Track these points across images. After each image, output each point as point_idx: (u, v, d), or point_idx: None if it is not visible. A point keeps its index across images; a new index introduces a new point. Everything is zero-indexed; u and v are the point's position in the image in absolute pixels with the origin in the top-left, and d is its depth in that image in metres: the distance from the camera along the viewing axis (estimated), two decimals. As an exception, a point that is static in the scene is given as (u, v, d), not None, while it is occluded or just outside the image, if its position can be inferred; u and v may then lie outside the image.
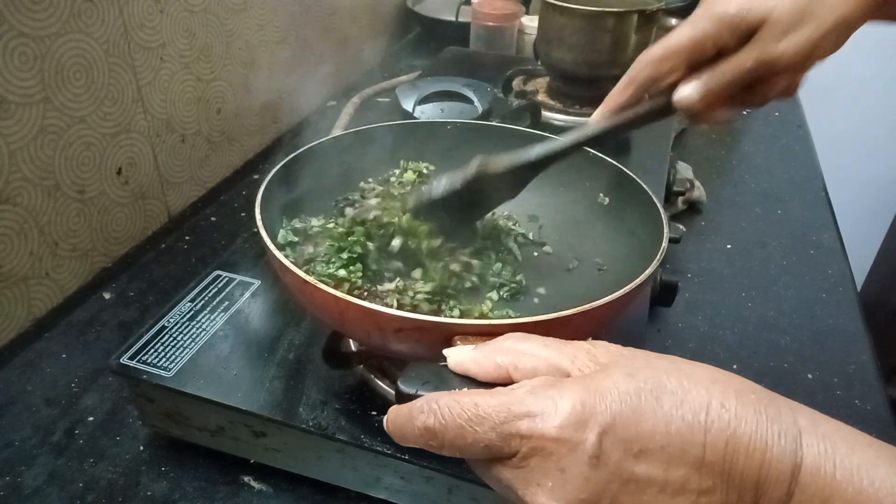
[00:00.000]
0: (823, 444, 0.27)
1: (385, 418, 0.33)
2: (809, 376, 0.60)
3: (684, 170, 0.84)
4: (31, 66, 0.57)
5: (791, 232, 0.80)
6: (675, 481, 0.27)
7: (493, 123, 0.59)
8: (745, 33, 0.41)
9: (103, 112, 0.66)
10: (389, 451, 0.42)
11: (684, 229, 0.72)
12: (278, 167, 0.51)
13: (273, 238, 0.42)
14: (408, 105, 0.81)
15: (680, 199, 0.81)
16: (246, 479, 0.49)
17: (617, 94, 0.47)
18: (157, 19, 0.70)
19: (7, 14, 0.54)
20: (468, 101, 0.82)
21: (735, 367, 0.60)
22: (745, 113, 1.11)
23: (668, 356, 0.30)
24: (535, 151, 0.48)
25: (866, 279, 1.64)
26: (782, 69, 0.41)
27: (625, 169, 0.53)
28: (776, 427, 0.27)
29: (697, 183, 0.83)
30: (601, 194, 0.57)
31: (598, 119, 0.48)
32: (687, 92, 0.43)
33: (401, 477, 0.44)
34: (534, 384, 0.29)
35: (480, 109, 0.80)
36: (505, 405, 0.29)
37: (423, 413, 0.30)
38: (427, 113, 0.81)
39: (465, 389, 0.31)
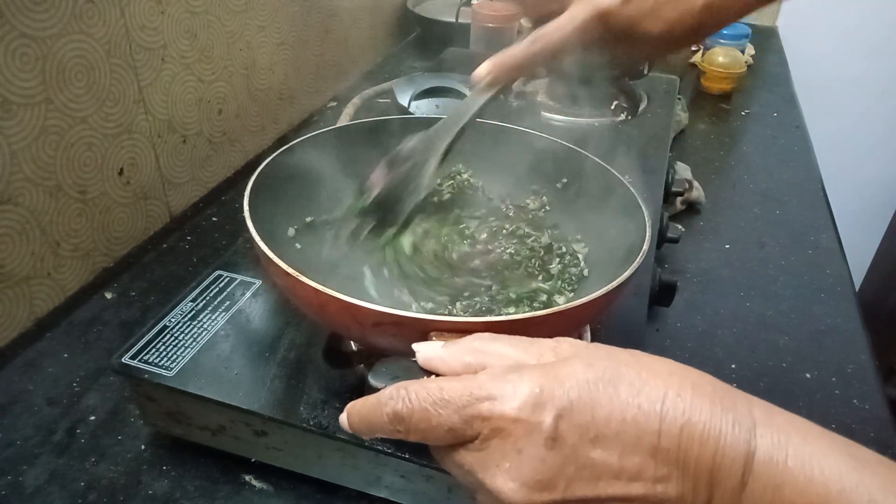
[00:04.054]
0: (777, 434, 0.27)
1: (344, 415, 0.34)
2: (808, 376, 0.60)
3: (683, 170, 0.85)
4: (32, 66, 0.57)
5: (789, 232, 0.81)
6: (630, 468, 0.27)
7: (486, 121, 0.60)
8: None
9: (105, 113, 0.66)
10: (390, 451, 0.43)
11: (683, 229, 0.72)
12: (269, 159, 0.51)
13: (261, 231, 0.43)
14: (403, 100, 0.81)
15: (679, 199, 0.81)
16: (247, 477, 0.49)
17: (512, 70, 0.50)
18: (159, 20, 0.70)
19: (8, 15, 0.54)
20: (463, 97, 0.82)
21: (733, 366, 0.61)
22: (744, 113, 1.11)
23: (631, 350, 0.31)
24: (445, 140, 0.50)
25: (864, 279, 1.64)
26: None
27: (611, 169, 0.53)
28: (730, 417, 0.27)
29: (696, 183, 0.83)
30: (564, 179, 0.59)
31: (487, 81, 0.50)
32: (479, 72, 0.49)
33: (401, 476, 0.45)
34: (495, 371, 0.30)
35: None
36: (468, 388, 0.30)
37: (393, 399, 0.31)
38: (422, 108, 0.81)
39: (433, 377, 0.32)
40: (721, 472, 0.27)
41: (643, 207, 0.48)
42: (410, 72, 1.13)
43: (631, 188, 0.50)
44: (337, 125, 0.58)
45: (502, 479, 0.29)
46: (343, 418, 0.34)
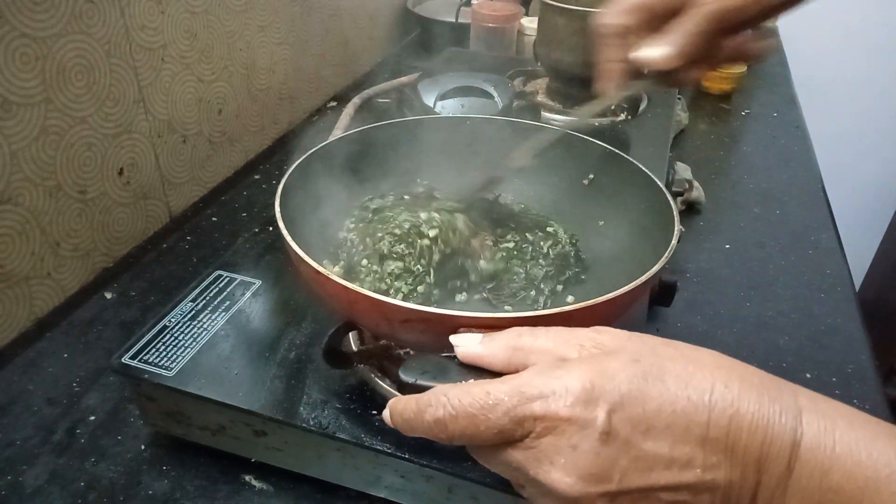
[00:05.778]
0: (823, 421, 0.28)
1: (388, 411, 0.34)
2: (808, 376, 0.60)
3: (683, 170, 0.85)
4: (32, 66, 0.57)
5: (789, 232, 0.81)
6: (680, 458, 0.28)
7: (511, 119, 0.60)
8: None
9: (105, 113, 0.66)
10: (390, 451, 0.43)
11: (683, 229, 0.72)
12: (302, 158, 0.51)
13: (290, 228, 0.43)
14: (429, 100, 0.81)
15: (679, 199, 0.81)
16: (247, 477, 0.49)
17: (612, 72, 0.47)
18: (159, 20, 0.70)
19: (9, 15, 0.54)
20: (489, 96, 0.82)
21: (734, 366, 0.60)
22: (744, 113, 1.11)
23: (674, 343, 0.32)
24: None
25: (865, 279, 1.64)
26: (742, 11, 0.40)
27: (639, 164, 0.54)
28: (777, 406, 0.28)
29: (696, 183, 0.83)
30: (591, 174, 0.59)
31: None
32: (660, 51, 0.41)
33: (401, 476, 0.45)
34: (541, 367, 0.31)
35: (500, 105, 0.80)
36: (516, 388, 0.30)
37: (432, 406, 0.31)
38: (448, 108, 0.81)
39: (473, 380, 0.32)
40: (768, 460, 0.27)
41: (670, 200, 0.49)
42: (410, 72, 1.13)
43: (660, 183, 0.51)
44: (364, 126, 0.58)
45: (558, 475, 0.29)
46: (386, 414, 0.34)
